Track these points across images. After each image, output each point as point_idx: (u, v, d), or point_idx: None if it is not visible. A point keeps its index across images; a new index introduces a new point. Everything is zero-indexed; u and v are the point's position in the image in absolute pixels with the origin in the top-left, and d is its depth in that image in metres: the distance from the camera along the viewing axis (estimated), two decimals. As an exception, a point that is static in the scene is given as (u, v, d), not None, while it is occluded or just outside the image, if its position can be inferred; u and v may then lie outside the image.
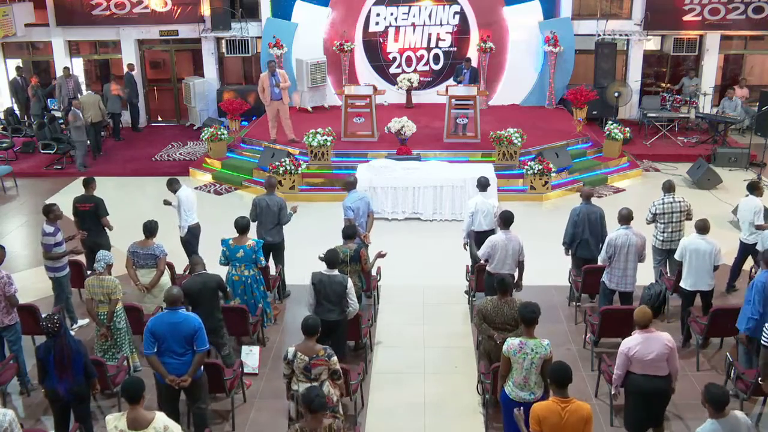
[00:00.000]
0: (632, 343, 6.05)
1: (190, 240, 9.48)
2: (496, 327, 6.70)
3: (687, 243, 7.94)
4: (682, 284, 8.06)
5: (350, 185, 9.46)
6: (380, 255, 8.39)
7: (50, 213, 8.40)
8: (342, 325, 7.28)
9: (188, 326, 6.21)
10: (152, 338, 6.20)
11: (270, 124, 14.38)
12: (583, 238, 8.89)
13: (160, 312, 8.04)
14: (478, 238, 9.06)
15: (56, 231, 8.35)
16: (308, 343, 5.99)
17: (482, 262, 8.29)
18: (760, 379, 6.52)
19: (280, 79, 13.84)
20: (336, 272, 7.21)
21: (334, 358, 6.02)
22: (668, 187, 9.06)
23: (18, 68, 17.89)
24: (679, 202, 8.93)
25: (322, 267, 7.27)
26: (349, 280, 7.18)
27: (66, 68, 17.19)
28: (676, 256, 8.09)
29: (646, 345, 5.99)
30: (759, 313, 6.88)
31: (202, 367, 6.43)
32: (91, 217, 9.34)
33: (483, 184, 9.39)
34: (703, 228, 7.92)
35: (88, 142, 14.95)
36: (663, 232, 9.00)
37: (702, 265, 7.85)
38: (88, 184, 9.45)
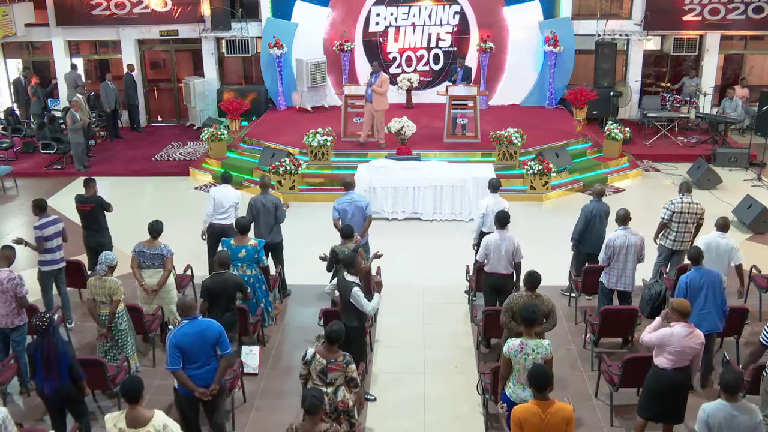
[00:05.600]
0: (677, 335, 6.01)
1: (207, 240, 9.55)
2: None
3: (708, 240, 7.86)
4: None
5: (347, 185, 9.44)
6: (377, 255, 8.38)
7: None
8: (358, 333, 7.19)
9: (212, 332, 6.05)
10: (178, 352, 5.91)
11: (364, 125, 14.08)
12: (590, 234, 8.94)
13: (159, 312, 8.10)
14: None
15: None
16: (329, 348, 6.00)
17: (482, 262, 8.30)
18: (741, 366, 6.70)
19: (374, 81, 13.44)
20: (352, 277, 7.09)
21: (352, 366, 6.02)
22: (686, 188, 8.96)
23: (26, 69, 17.86)
24: (697, 204, 8.85)
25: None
26: (355, 287, 7.00)
27: (74, 64, 17.43)
28: None
29: (688, 340, 6.04)
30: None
31: None
32: (92, 217, 9.36)
33: (494, 186, 9.35)
34: (723, 226, 7.91)
35: (92, 142, 14.89)
36: (676, 232, 8.88)
37: (720, 263, 7.78)
38: (88, 184, 9.43)
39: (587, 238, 8.96)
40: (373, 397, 7.39)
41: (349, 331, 7.05)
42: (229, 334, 7.27)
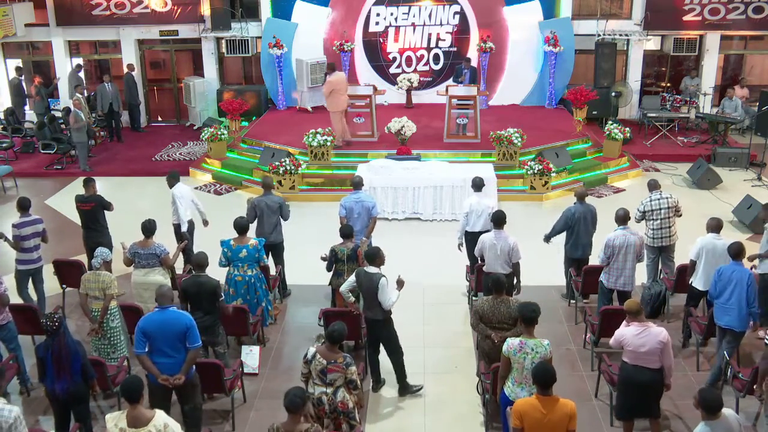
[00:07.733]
0: (628, 334, 6.19)
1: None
2: (493, 326, 6.73)
3: (704, 243, 7.87)
4: (694, 283, 8.00)
5: (355, 185, 9.45)
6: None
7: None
8: (385, 326, 7.27)
9: (179, 324, 6.19)
10: (143, 337, 6.15)
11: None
12: (578, 238, 8.92)
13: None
14: (471, 239, 9.02)
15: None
16: (330, 348, 6.00)
17: (479, 260, 8.32)
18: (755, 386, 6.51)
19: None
20: (374, 269, 7.17)
21: (352, 368, 6.00)
22: (653, 185, 9.12)
23: (18, 69, 17.86)
24: (667, 198, 8.94)
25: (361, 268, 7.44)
26: (383, 278, 7.08)
27: (78, 65, 17.49)
28: (692, 256, 7.96)
29: (639, 339, 6.12)
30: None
31: (194, 366, 6.39)
32: (92, 216, 9.38)
33: (477, 185, 9.36)
34: (716, 227, 7.92)
35: (92, 142, 14.90)
36: (654, 230, 8.97)
37: (717, 264, 7.72)
38: (88, 184, 9.46)
39: (574, 242, 8.95)
40: (418, 388, 7.49)
41: (374, 326, 7.17)
42: (215, 340, 7.28)
